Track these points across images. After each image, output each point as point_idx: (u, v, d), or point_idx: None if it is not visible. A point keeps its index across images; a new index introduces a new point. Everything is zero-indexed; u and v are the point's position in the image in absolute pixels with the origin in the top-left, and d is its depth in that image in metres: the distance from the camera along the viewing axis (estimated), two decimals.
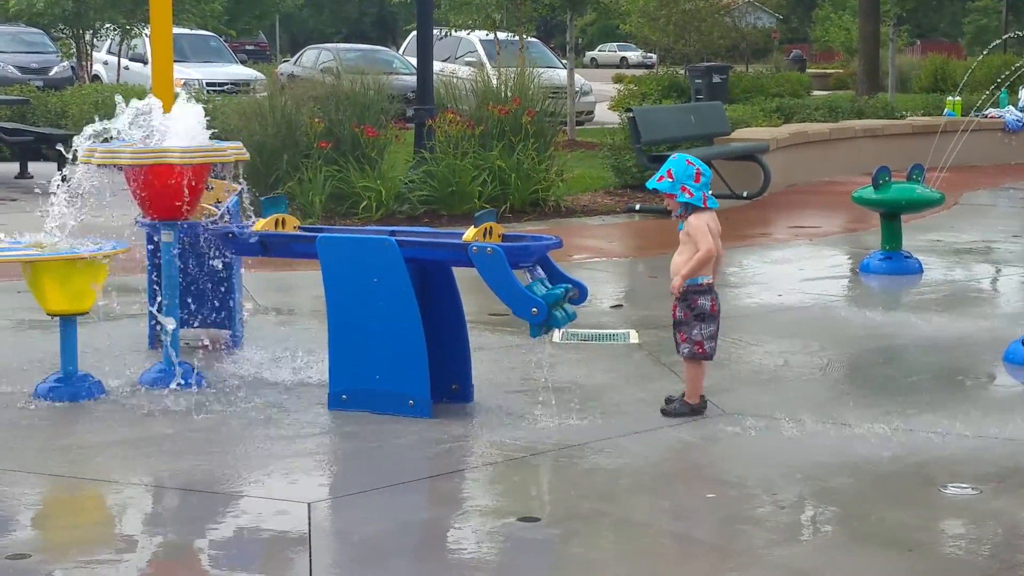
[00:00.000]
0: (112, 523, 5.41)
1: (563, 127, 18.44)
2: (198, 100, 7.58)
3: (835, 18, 51.32)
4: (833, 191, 16.46)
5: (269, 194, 9.06)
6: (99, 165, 6.82)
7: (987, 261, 12.05)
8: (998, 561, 4.88)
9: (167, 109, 7.00)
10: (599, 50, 69.08)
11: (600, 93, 27.72)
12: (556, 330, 6.37)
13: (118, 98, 7.00)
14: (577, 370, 7.41)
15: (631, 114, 15.10)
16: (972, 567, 4.81)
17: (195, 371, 7.00)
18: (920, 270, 10.82)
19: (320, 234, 6.80)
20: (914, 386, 7.31)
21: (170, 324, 6.93)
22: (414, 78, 14.78)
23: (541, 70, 16.14)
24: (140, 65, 24.92)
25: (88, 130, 6.88)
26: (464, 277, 6.73)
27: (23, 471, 5.73)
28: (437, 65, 15.80)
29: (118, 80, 23.42)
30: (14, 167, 17.43)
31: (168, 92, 8.54)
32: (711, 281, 6.50)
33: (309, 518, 5.20)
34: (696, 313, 6.46)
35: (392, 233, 6.85)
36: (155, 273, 7.59)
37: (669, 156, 6.68)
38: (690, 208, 6.43)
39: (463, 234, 6.55)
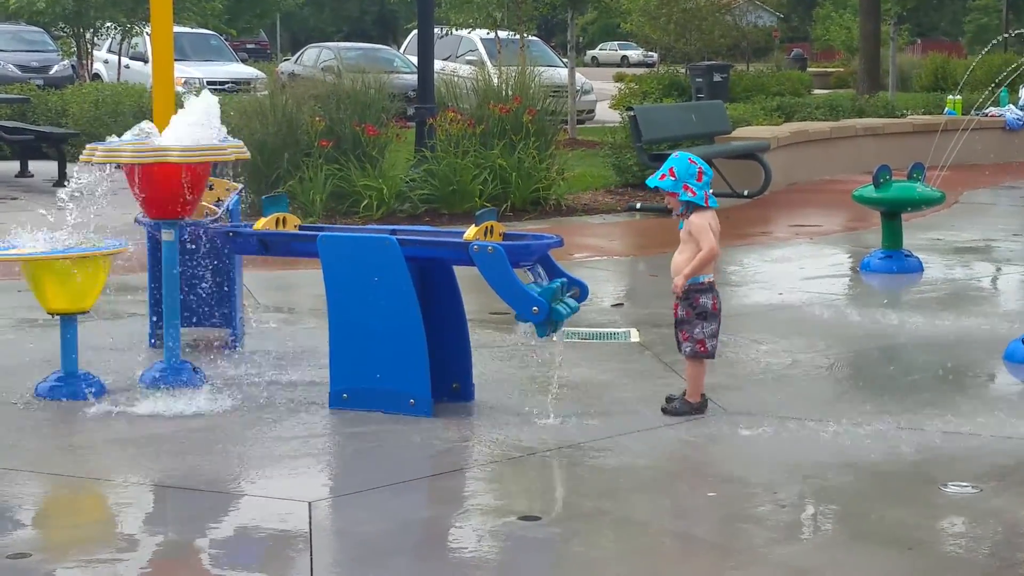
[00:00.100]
0: (112, 522, 5.40)
1: (564, 126, 18.44)
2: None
3: (836, 17, 51.35)
4: (834, 190, 16.45)
5: (270, 193, 9.06)
6: (99, 164, 6.80)
7: (987, 260, 12.04)
8: (998, 559, 4.88)
9: (167, 112, 6.95)
10: (600, 49, 69.11)
11: (601, 92, 27.69)
12: (561, 326, 6.36)
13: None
14: (578, 369, 7.41)
15: (632, 113, 15.09)
16: (972, 565, 4.81)
17: (195, 370, 7.00)
18: (920, 269, 10.81)
19: (321, 233, 6.80)
20: (914, 384, 7.31)
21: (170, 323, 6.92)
22: (415, 77, 14.76)
23: (542, 69, 16.13)
24: (141, 64, 24.91)
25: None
26: (465, 276, 6.72)
27: (23, 470, 5.73)
28: (438, 64, 15.78)
29: (119, 79, 23.41)
30: (14, 166, 17.42)
31: (169, 91, 8.54)
32: (712, 280, 6.51)
33: (310, 517, 5.20)
34: (698, 312, 6.46)
35: (393, 232, 6.84)
36: (155, 271, 7.58)
37: (670, 155, 6.68)
38: (692, 207, 6.43)
39: (464, 233, 6.54)
